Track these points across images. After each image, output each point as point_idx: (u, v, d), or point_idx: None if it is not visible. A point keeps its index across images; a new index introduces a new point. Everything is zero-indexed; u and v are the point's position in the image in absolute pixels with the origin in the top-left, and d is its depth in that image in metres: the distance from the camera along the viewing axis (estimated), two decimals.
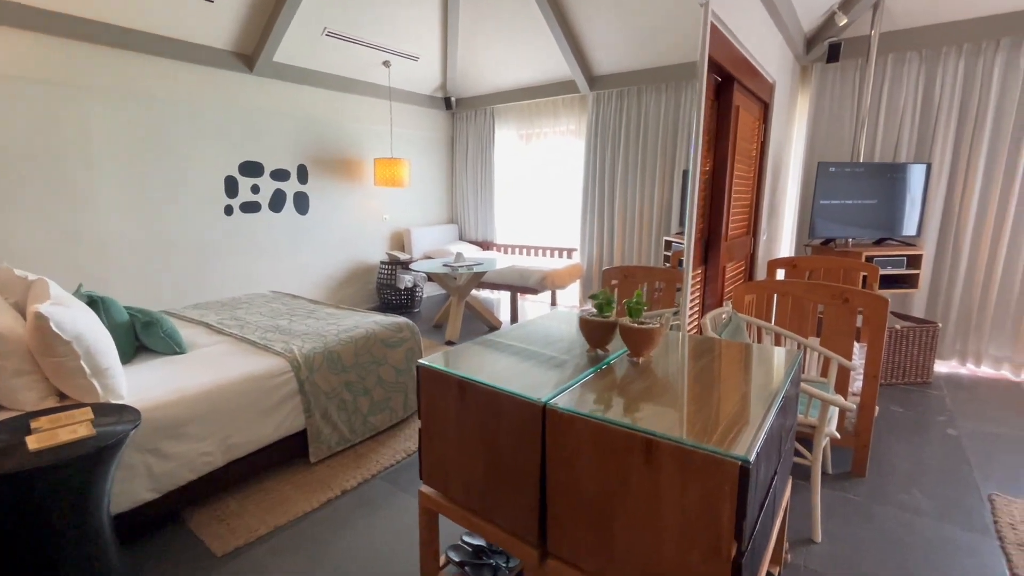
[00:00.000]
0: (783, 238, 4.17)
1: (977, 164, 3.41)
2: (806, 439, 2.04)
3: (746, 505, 0.87)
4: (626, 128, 4.67)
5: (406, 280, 5.20)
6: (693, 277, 2.66)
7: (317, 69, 4.50)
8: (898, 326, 3.25)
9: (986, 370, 3.58)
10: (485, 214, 6.08)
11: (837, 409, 2.01)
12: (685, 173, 4.02)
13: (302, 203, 4.62)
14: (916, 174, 3.49)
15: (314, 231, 4.76)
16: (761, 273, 3.50)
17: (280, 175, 4.41)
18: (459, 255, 4.61)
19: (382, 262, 5.25)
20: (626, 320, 1.40)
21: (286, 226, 4.51)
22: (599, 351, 1.49)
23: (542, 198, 5.72)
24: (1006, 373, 3.52)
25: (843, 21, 3.38)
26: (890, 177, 3.46)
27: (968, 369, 3.62)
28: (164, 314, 2.55)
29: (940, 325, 3.29)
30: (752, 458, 0.87)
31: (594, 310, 1.49)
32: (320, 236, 4.82)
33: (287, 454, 2.25)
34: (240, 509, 1.99)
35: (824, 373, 2.26)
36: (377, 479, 2.24)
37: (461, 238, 6.41)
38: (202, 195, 3.88)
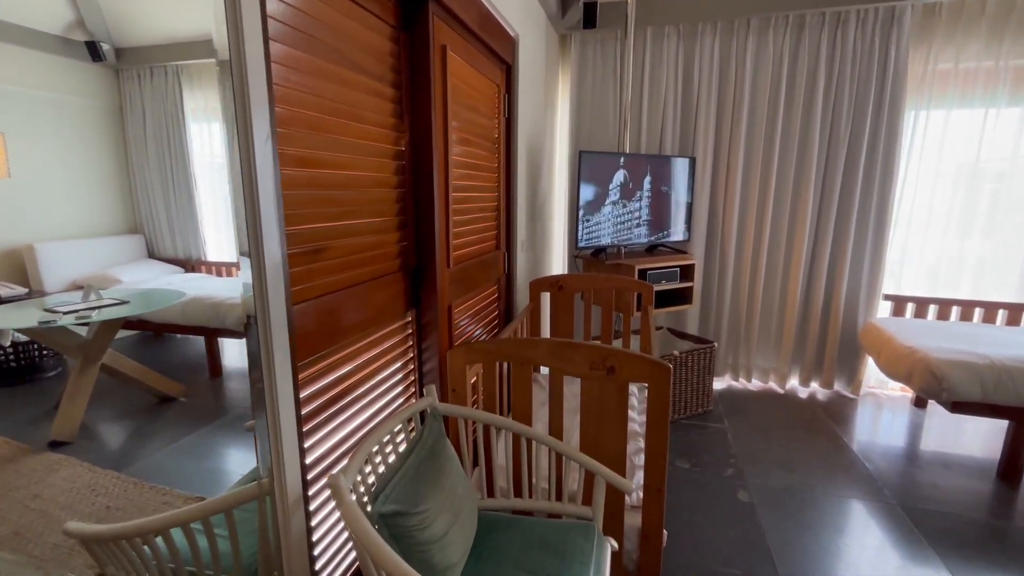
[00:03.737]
0: (555, 249, 3.45)
1: (737, 156, 3.05)
2: None
3: None
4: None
5: (12, 332, 3.18)
6: (402, 328, 1.58)
7: None
8: (676, 352, 2.69)
9: (756, 383, 3.33)
10: (183, 221, 4.29)
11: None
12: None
13: None
14: (681, 169, 3.01)
15: None
16: (523, 299, 2.63)
17: None
18: (89, 289, 2.87)
19: None
20: None
21: None
22: None
23: None
24: (772, 384, 3.30)
25: None
26: (657, 172, 2.91)
27: (740, 383, 3.33)
28: None
29: (716, 345, 2.84)
30: None
31: None
32: None
33: None
34: None
35: (587, 497, 1.35)
36: None
37: (152, 255, 4.47)
38: None
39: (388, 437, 1.15)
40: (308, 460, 1.14)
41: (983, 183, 2.87)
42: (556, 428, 1.38)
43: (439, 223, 1.65)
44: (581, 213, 2.64)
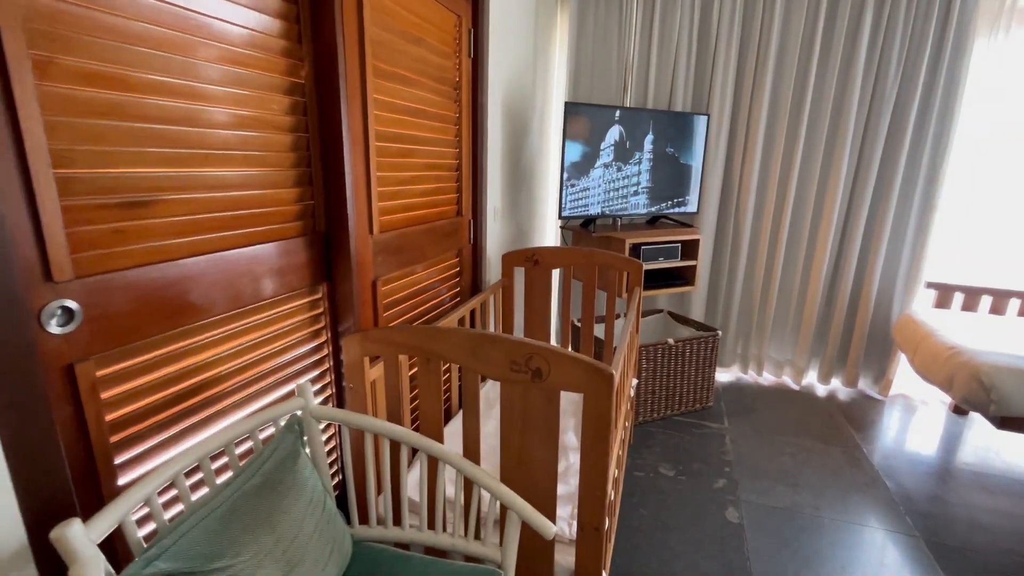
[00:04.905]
0: (548, 218, 3.09)
1: (759, 114, 2.61)
2: None
3: None
4: None
5: None
6: (308, 307, 1.30)
7: None
8: (671, 340, 2.35)
9: (767, 377, 2.95)
10: None
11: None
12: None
13: None
14: (692, 129, 2.59)
15: None
16: (495, 273, 2.32)
17: None
18: None
19: None
20: None
21: None
22: None
23: None
24: (787, 379, 2.92)
25: None
26: (662, 131, 2.51)
27: (750, 376, 2.96)
28: None
29: (720, 333, 2.47)
30: None
31: None
32: None
33: None
34: None
35: (501, 538, 1.07)
36: None
37: None
38: None
39: (225, 453, 0.88)
40: (122, 482, 0.88)
41: None
42: (470, 443, 1.09)
43: (353, 178, 1.33)
44: (565, 176, 2.28)
